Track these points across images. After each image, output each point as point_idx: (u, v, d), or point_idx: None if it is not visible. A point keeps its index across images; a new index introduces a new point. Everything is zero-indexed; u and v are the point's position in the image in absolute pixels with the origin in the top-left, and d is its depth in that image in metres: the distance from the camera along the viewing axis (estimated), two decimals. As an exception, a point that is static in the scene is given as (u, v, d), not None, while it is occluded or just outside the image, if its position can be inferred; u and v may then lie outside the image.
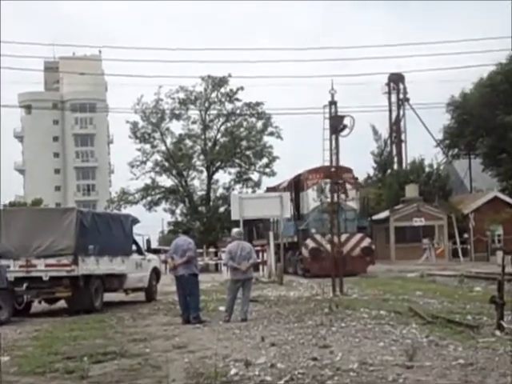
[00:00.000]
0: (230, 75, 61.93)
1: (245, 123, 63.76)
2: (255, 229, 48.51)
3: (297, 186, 41.83)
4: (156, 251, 28.54)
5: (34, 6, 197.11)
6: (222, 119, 63.54)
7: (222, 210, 61.85)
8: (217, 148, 62.94)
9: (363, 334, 13.52)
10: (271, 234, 36.75)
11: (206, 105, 62.88)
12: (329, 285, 24.22)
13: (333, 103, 24.73)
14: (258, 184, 63.23)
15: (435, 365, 10.22)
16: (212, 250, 48.80)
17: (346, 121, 24.30)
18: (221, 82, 62.27)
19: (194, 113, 63.00)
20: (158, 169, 63.18)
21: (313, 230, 39.79)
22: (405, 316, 16.10)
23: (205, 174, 63.58)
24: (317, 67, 78.68)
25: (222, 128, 63.57)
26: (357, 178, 42.23)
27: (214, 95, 62.77)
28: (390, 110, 75.49)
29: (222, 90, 62.61)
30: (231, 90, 62.47)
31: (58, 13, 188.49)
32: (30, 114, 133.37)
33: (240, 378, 9.81)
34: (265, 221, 45.11)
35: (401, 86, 75.14)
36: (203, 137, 63.38)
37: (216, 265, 47.57)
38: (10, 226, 20.63)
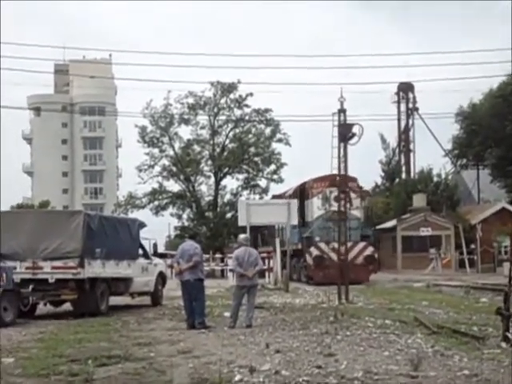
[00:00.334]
0: (239, 81, 62.07)
1: (253, 129, 63.82)
2: (260, 235, 48.57)
3: (302, 194, 42.03)
4: (162, 256, 28.58)
5: (45, 9, 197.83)
6: (230, 125, 63.60)
7: (229, 215, 61.84)
8: (225, 154, 62.98)
9: (368, 342, 13.49)
10: (277, 241, 36.77)
11: (215, 110, 62.96)
12: (334, 293, 24.17)
13: (342, 111, 24.72)
14: (265, 190, 63.26)
15: (440, 375, 10.19)
16: (218, 255, 48.79)
17: (355, 129, 24.30)
18: (230, 87, 62.35)
19: (202, 118, 63.13)
20: (165, 173, 63.24)
21: (317, 238, 40.22)
22: (410, 326, 16.06)
23: (212, 179, 63.64)
24: (326, 75, 78.77)
25: (231, 134, 63.64)
26: (361, 187, 42.29)
27: (223, 101, 62.87)
28: (399, 119, 75.45)
29: (231, 95, 62.71)
30: (240, 96, 62.55)
31: (68, 16, 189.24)
32: (39, 116, 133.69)
33: (244, 384, 9.80)
34: (270, 228, 45.28)
35: (410, 96, 75.15)
36: (211, 142, 63.42)
37: (222, 271, 47.55)
38: (17, 228, 20.66)
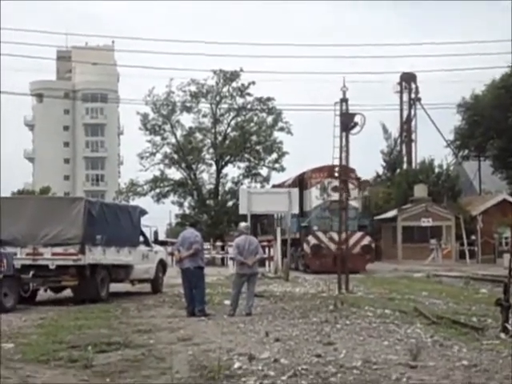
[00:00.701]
0: (241, 69, 61.95)
1: (255, 118, 63.77)
2: (260, 224, 48.70)
3: (300, 184, 42.32)
4: (163, 243, 28.59)
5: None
6: (232, 113, 63.52)
7: (230, 204, 61.82)
8: (227, 142, 62.94)
9: (368, 332, 13.51)
10: (278, 230, 36.87)
11: (217, 98, 62.86)
12: (334, 282, 24.20)
13: (344, 100, 24.69)
14: (266, 179, 63.22)
15: (439, 365, 10.21)
16: (219, 243, 48.83)
17: (357, 119, 24.28)
18: (232, 76, 62.24)
19: (204, 106, 63.04)
20: (167, 161, 63.20)
21: (315, 228, 41.13)
22: (410, 316, 16.08)
23: (214, 167, 63.63)
24: (329, 64, 78.61)
25: (233, 122, 63.58)
26: (359, 178, 42.53)
27: (225, 89, 62.75)
28: (401, 109, 75.41)
29: (234, 84, 62.60)
30: (242, 85, 62.45)
31: (71, 2, 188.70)
32: (41, 102, 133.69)
33: (243, 372, 9.82)
34: (269, 216, 45.56)
35: (413, 86, 75.08)
36: (213, 130, 63.36)
37: (222, 259, 47.60)
38: (18, 214, 20.67)
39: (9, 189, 77.54)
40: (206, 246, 36.38)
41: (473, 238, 55.20)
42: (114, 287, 23.03)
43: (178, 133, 63.10)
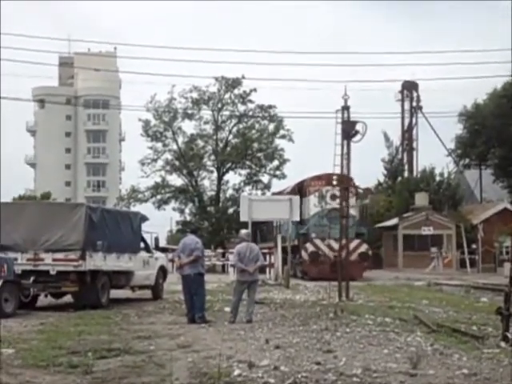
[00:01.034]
0: (243, 77, 62.04)
1: (257, 125, 63.85)
2: (259, 232, 48.81)
3: (299, 191, 42.60)
4: (164, 250, 28.58)
5: (50, 1, 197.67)
6: (234, 120, 63.61)
7: (230, 211, 61.83)
8: (228, 149, 63.00)
9: (368, 340, 13.50)
10: (279, 237, 36.91)
11: (219, 105, 62.95)
12: (335, 290, 24.19)
13: (345, 108, 24.70)
14: (268, 186, 63.29)
15: (439, 373, 10.20)
16: (220, 250, 48.80)
17: (359, 126, 24.26)
18: (234, 83, 62.33)
19: (206, 113, 63.14)
20: (168, 168, 63.26)
21: (313, 235, 42.07)
22: (410, 324, 16.07)
23: (215, 174, 63.69)
24: (331, 72, 78.79)
25: (234, 129, 63.67)
26: (357, 187, 42.86)
27: (227, 96, 62.84)
28: (403, 118, 75.52)
29: (235, 91, 62.69)
30: (244, 92, 62.56)
31: (74, 8, 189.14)
32: (43, 108, 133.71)
33: (243, 379, 9.81)
34: (268, 224, 45.89)
35: (414, 94, 75.20)
36: (215, 137, 63.42)
37: (223, 266, 47.59)
38: (19, 219, 20.68)
39: (10, 194, 77.72)
40: (207, 252, 36.37)
41: (473, 246, 55.19)
42: (115, 293, 23.02)
43: (180, 139, 63.23)
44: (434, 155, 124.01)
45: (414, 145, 75.79)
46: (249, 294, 17.38)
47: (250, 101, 62.85)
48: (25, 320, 17.31)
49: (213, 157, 63.45)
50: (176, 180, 63.80)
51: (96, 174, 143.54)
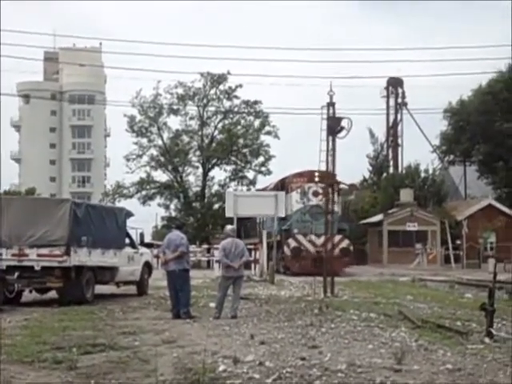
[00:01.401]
0: (228, 72, 62.06)
1: (242, 121, 63.87)
2: (243, 227, 48.97)
3: (282, 188, 42.86)
4: (149, 245, 28.52)
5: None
6: (219, 116, 63.63)
7: (216, 206, 61.86)
8: (213, 145, 62.99)
9: (352, 335, 13.53)
10: (265, 233, 36.98)
11: (204, 101, 62.93)
12: (320, 286, 24.22)
13: (331, 104, 24.73)
14: (253, 182, 63.35)
15: (423, 369, 10.23)
16: (205, 246, 48.81)
17: (344, 123, 24.32)
18: (220, 78, 62.31)
19: (191, 109, 63.13)
20: (153, 163, 63.22)
21: (295, 231, 42.77)
22: (395, 319, 16.11)
23: (200, 170, 63.68)
24: (316, 68, 78.85)
25: (220, 125, 63.67)
26: (340, 182, 43.23)
27: (212, 92, 62.86)
28: (388, 114, 75.64)
29: (221, 87, 62.69)
30: (230, 88, 62.54)
31: (59, 3, 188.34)
32: (28, 103, 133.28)
33: (228, 374, 9.81)
34: (252, 220, 46.25)
35: (399, 91, 75.32)
36: (200, 133, 63.40)
37: (208, 261, 47.57)
38: (3, 215, 20.60)
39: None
40: (192, 248, 36.36)
41: (458, 242, 55.38)
42: (100, 289, 22.97)
43: (165, 135, 63.21)
44: (419, 151, 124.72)
45: (399, 141, 75.94)
46: (234, 289, 17.38)
47: (236, 97, 62.94)
48: (9, 316, 17.25)
49: (198, 152, 63.44)
50: (161, 176, 63.84)
51: (81, 170, 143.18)
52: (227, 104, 63.35)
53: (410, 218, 55.96)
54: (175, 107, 62.78)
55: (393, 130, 75.62)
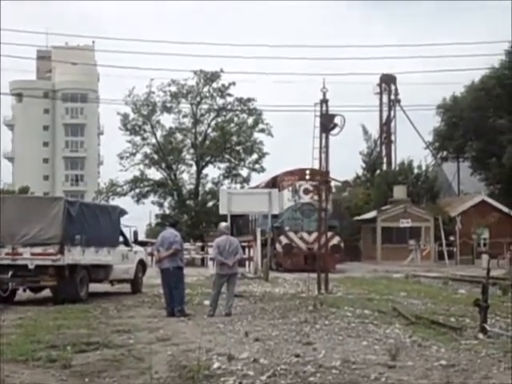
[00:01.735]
0: (222, 70, 62.06)
1: (236, 119, 63.87)
2: (235, 225, 49.15)
3: (273, 186, 43.04)
4: (143, 243, 28.51)
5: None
6: (213, 114, 63.61)
7: (210, 204, 61.86)
8: (207, 142, 62.99)
9: (347, 332, 13.55)
10: (259, 231, 37.04)
11: (198, 99, 62.92)
12: (314, 282, 24.25)
13: (324, 101, 24.74)
14: (247, 180, 63.37)
15: (417, 365, 10.26)
16: (199, 244, 48.81)
17: (337, 120, 24.32)
18: (213, 76, 62.29)
19: (185, 106, 63.13)
20: (147, 161, 63.21)
21: (286, 228, 43.48)
22: (389, 316, 16.14)
23: (194, 168, 63.69)
24: (309, 65, 78.89)
25: (213, 123, 63.67)
26: (331, 180, 43.62)
27: (205, 89, 62.83)
28: (381, 111, 75.69)
29: (214, 84, 62.66)
30: (223, 85, 62.53)
31: (52, 2, 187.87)
32: (20, 102, 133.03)
33: (223, 371, 9.82)
34: (244, 217, 46.57)
35: (392, 87, 75.38)
36: (194, 131, 63.39)
37: (202, 259, 47.58)
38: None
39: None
40: (186, 246, 36.38)
41: (451, 238, 55.48)
42: (94, 287, 22.94)
43: (158, 133, 63.19)
44: (412, 148, 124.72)
45: (392, 138, 76.00)
46: (228, 287, 17.38)
47: (229, 94, 62.94)
48: (3, 314, 17.20)
49: (192, 150, 63.44)
50: (155, 174, 63.85)
51: (74, 168, 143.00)
52: (220, 102, 63.43)
53: (403, 215, 56.07)
54: (168, 105, 62.76)
55: (386, 127, 75.68)
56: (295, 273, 33.48)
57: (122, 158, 62.96)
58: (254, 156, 63.15)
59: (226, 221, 28.09)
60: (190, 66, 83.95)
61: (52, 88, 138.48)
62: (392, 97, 75.40)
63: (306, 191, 42.71)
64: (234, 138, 63.24)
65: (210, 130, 63.62)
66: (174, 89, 62.38)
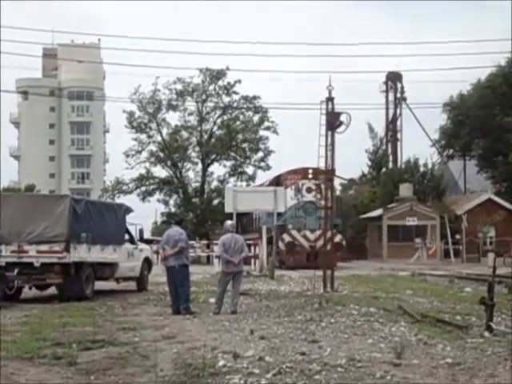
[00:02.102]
0: (227, 68, 62.08)
1: (241, 117, 63.89)
2: (240, 223, 49.31)
3: (277, 185, 43.29)
4: (148, 241, 28.51)
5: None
6: (218, 112, 63.62)
7: (215, 202, 61.91)
8: (212, 140, 62.99)
9: (352, 330, 13.53)
10: (264, 228, 37.04)
11: (203, 97, 62.94)
12: (320, 280, 24.23)
13: (330, 99, 24.71)
14: (252, 178, 63.40)
15: (423, 363, 10.24)
16: (204, 241, 48.85)
17: (343, 118, 24.31)
18: (218, 74, 62.31)
19: (190, 104, 63.17)
20: (153, 159, 63.27)
21: (289, 226, 44.09)
22: (394, 314, 16.11)
23: (200, 165, 63.71)
24: (315, 63, 78.80)
25: (219, 120, 63.68)
26: (334, 178, 43.88)
27: (211, 87, 62.85)
28: (387, 109, 75.61)
29: (220, 82, 62.70)
30: (229, 83, 62.53)
31: (51, 2, 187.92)
32: (27, 100, 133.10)
33: (228, 369, 9.81)
34: (249, 215, 46.85)
35: (398, 85, 75.30)
36: (199, 129, 63.42)
37: (208, 257, 47.60)
38: (2, 211, 20.58)
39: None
40: (192, 244, 36.42)
41: (457, 237, 55.40)
42: (99, 285, 22.98)
43: (164, 131, 63.26)
44: (418, 146, 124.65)
45: (398, 136, 75.91)
46: (233, 285, 17.38)
47: (235, 92, 63.00)
48: (9, 312, 17.25)
49: (197, 148, 63.46)
50: (160, 171, 63.92)
51: (80, 166, 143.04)
52: (226, 99, 63.49)
53: (409, 213, 56.02)
54: (174, 103, 62.81)
55: (392, 125, 75.60)
56: (298, 270, 33.47)
57: (127, 155, 63.10)
58: (260, 154, 63.24)
59: (231, 219, 28.12)
60: (196, 63, 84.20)
61: (58, 86, 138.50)
62: (398, 95, 75.34)
63: (309, 190, 43.12)
64: (240, 136, 63.26)
65: (215, 128, 63.68)
66: (179, 87, 62.49)
